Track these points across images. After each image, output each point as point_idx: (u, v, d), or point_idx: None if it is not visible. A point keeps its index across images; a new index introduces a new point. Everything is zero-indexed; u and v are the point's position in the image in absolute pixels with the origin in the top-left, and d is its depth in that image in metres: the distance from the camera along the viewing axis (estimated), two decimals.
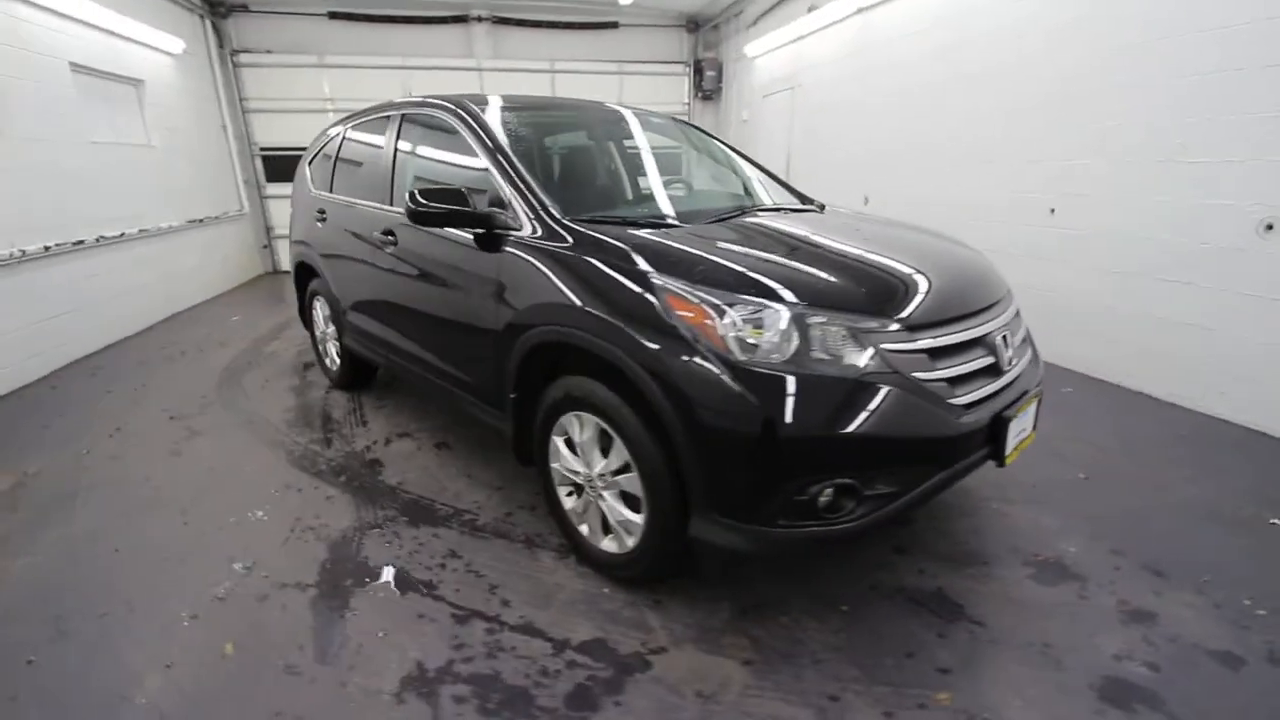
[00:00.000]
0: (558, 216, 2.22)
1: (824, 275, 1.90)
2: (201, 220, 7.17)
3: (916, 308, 1.85)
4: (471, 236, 2.41)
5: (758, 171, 3.33)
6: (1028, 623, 2.02)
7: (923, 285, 1.94)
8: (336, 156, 3.74)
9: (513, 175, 2.39)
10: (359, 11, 8.32)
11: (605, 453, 2.07)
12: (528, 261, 2.20)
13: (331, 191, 3.72)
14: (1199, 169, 3.40)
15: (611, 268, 1.96)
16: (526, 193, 2.33)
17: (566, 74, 9.09)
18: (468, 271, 2.47)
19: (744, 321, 1.70)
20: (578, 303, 1.98)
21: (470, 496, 2.82)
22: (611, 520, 2.11)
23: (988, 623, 2.02)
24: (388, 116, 3.24)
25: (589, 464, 2.13)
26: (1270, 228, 3.13)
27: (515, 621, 2.04)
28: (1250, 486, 2.79)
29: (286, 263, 8.84)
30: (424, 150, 3.01)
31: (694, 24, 9.42)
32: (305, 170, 4.17)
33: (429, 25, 8.62)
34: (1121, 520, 2.56)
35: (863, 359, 1.70)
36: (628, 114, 3.20)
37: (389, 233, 2.97)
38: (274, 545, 2.47)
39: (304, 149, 4.30)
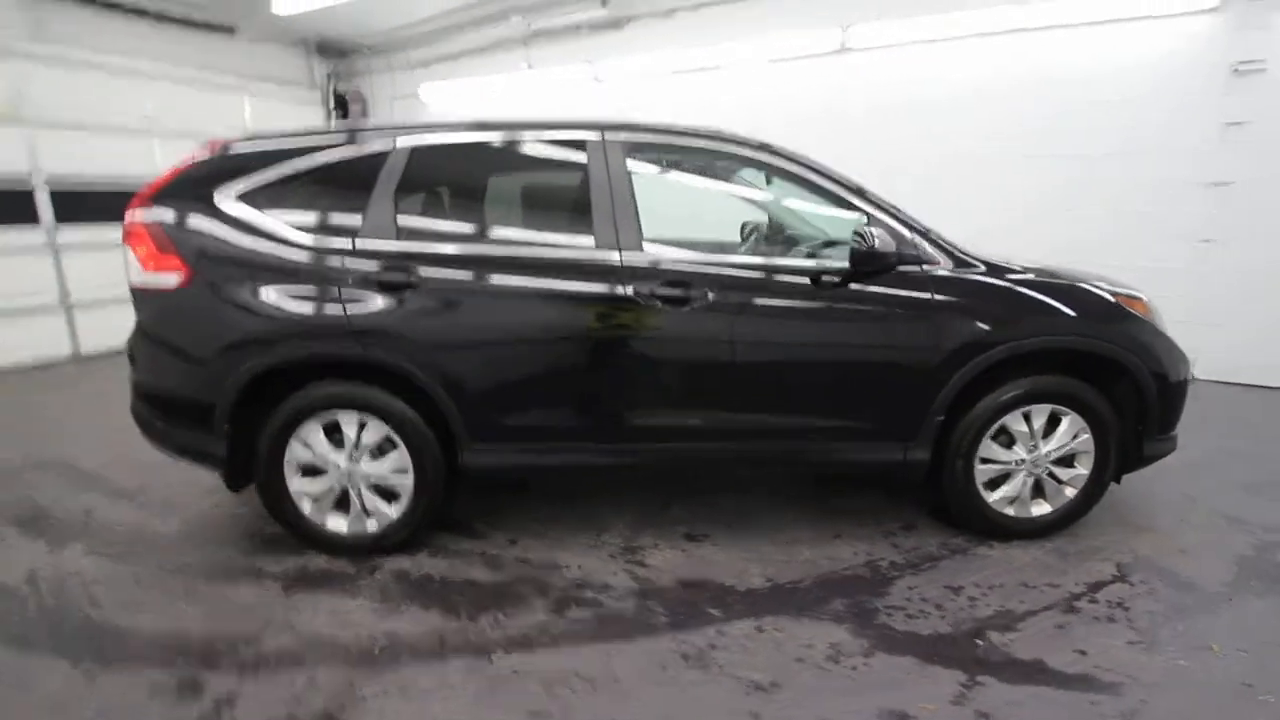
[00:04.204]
0: (962, 252, 2.57)
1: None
2: None
3: None
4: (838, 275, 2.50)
5: None
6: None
7: None
8: (404, 185, 2.47)
9: (906, 219, 2.55)
10: None
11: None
12: (975, 291, 2.51)
13: (406, 239, 2.45)
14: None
15: (1072, 286, 2.58)
16: (926, 233, 2.55)
17: (171, 83, 6.52)
18: (887, 310, 2.48)
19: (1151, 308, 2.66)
20: (1071, 315, 2.50)
21: (838, 553, 2.67)
22: (1052, 485, 2.66)
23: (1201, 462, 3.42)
24: (584, 143, 2.51)
25: (1033, 448, 2.61)
26: None
27: (1080, 589, 2.40)
28: None
29: None
30: (686, 189, 2.58)
31: (326, 49, 8.12)
32: (252, 217, 2.44)
33: None
34: None
35: None
36: None
37: (686, 285, 2.42)
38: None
39: None
